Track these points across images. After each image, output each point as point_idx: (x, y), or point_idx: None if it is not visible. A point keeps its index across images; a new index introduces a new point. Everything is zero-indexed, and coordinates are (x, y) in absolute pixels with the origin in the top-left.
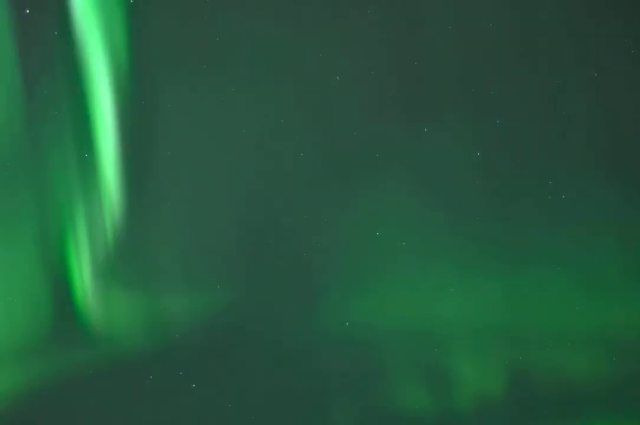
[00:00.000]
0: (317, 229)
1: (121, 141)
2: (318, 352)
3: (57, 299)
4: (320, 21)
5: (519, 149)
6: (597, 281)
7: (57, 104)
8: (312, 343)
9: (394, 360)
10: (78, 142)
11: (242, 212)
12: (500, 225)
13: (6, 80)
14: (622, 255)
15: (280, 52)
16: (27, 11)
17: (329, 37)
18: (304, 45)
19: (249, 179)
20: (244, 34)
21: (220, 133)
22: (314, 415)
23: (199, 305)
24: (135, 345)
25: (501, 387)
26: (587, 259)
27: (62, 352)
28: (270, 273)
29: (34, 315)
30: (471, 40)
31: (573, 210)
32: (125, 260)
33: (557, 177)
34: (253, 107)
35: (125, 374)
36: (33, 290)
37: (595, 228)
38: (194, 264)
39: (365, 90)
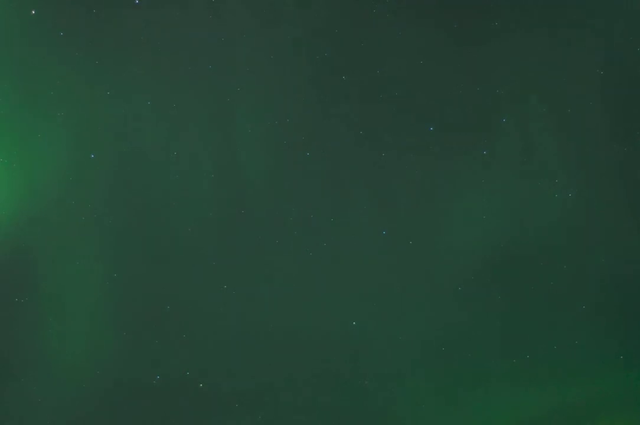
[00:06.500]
0: (323, 228)
1: None
2: (324, 351)
3: None
4: (324, 20)
5: (523, 147)
6: None
7: None
8: (316, 342)
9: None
10: None
11: (244, 211)
12: (503, 225)
13: None
14: None
15: (285, 52)
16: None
17: (333, 37)
18: (308, 45)
19: (253, 179)
20: (246, 33)
21: (223, 132)
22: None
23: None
24: None
25: None
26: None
27: None
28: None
29: None
30: (474, 39)
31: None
32: None
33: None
34: (257, 106)
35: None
36: None
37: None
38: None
39: (369, 89)
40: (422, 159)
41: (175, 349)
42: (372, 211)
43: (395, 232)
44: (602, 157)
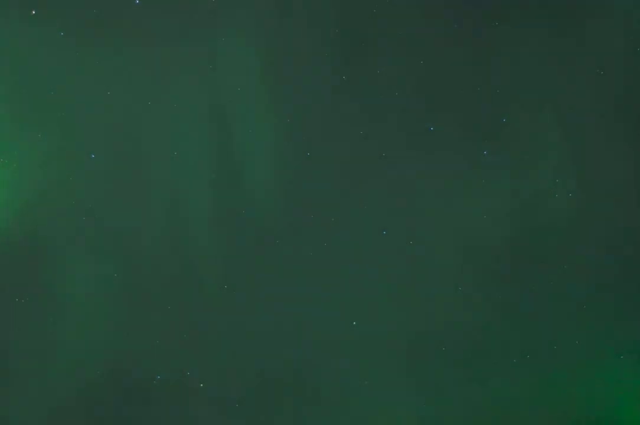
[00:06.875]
0: (323, 228)
1: None
2: (325, 351)
3: None
4: (324, 20)
5: (523, 147)
6: None
7: None
8: (316, 342)
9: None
10: None
11: (245, 210)
12: (503, 225)
13: None
14: None
15: (285, 52)
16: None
17: (334, 37)
18: (308, 45)
19: (253, 179)
20: (247, 33)
21: (223, 132)
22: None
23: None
24: None
25: None
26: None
27: None
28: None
29: None
30: (474, 39)
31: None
32: None
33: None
34: (257, 106)
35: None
36: None
37: None
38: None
39: (369, 89)
40: (422, 159)
41: (175, 349)
42: (372, 211)
43: (395, 232)
44: (602, 157)
